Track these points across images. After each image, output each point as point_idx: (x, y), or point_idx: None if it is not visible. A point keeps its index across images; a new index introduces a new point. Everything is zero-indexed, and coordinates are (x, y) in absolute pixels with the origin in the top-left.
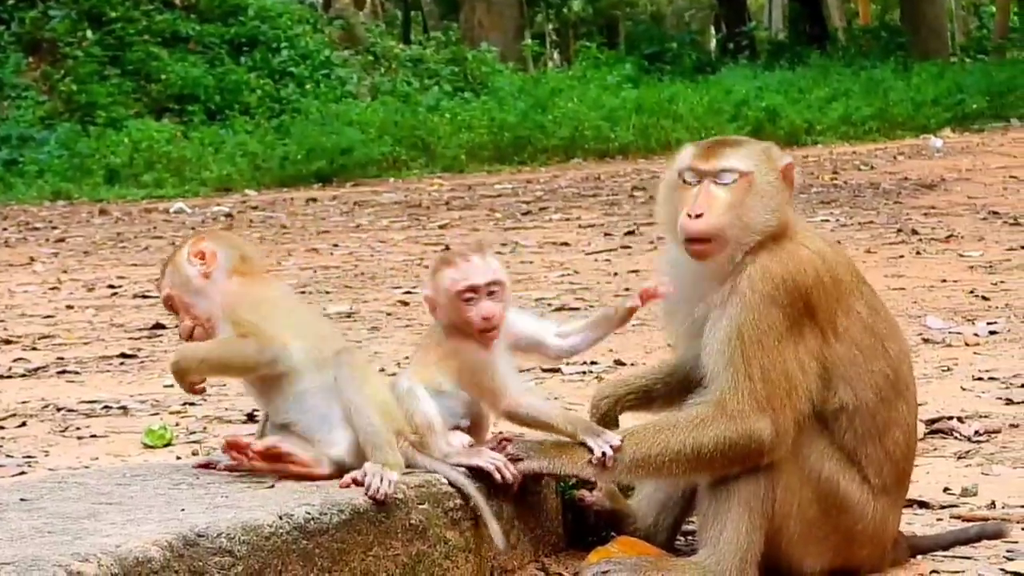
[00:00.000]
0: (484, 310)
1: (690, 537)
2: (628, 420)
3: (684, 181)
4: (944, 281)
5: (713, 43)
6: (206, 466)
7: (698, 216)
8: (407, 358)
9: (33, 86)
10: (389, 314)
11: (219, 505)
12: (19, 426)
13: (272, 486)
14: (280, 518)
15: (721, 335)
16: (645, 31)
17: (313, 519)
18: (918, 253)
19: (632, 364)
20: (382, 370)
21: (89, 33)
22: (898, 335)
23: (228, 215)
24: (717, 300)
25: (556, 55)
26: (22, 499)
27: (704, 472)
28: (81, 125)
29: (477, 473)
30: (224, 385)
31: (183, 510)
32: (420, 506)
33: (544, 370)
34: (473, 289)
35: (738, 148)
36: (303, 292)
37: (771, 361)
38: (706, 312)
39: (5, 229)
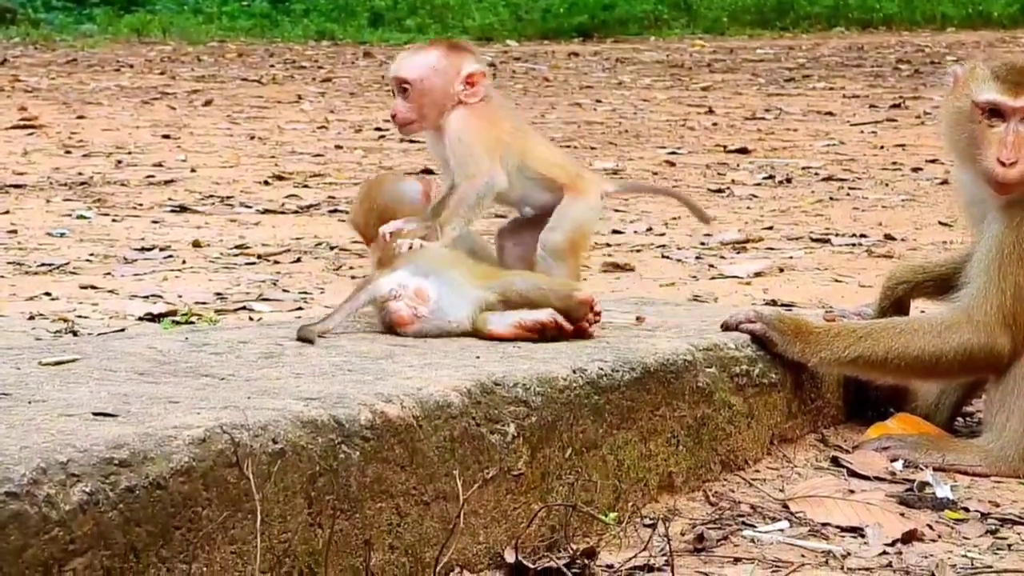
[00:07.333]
0: (392, 107)
1: (969, 419)
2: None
3: (986, 115)
4: None
5: None
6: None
7: (1012, 164)
8: (674, 219)
9: None
10: (655, 173)
11: (512, 355)
12: (294, 262)
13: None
14: (574, 372)
15: (985, 246)
16: None
17: (605, 375)
18: None
19: (902, 239)
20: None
21: None
22: None
23: (491, 64)
24: (993, 213)
25: None
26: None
27: (939, 378)
28: None
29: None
30: None
31: (478, 357)
32: (707, 369)
33: (813, 240)
34: (393, 82)
35: None
36: (568, 147)
37: None
38: (985, 222)
39: (272, 66)
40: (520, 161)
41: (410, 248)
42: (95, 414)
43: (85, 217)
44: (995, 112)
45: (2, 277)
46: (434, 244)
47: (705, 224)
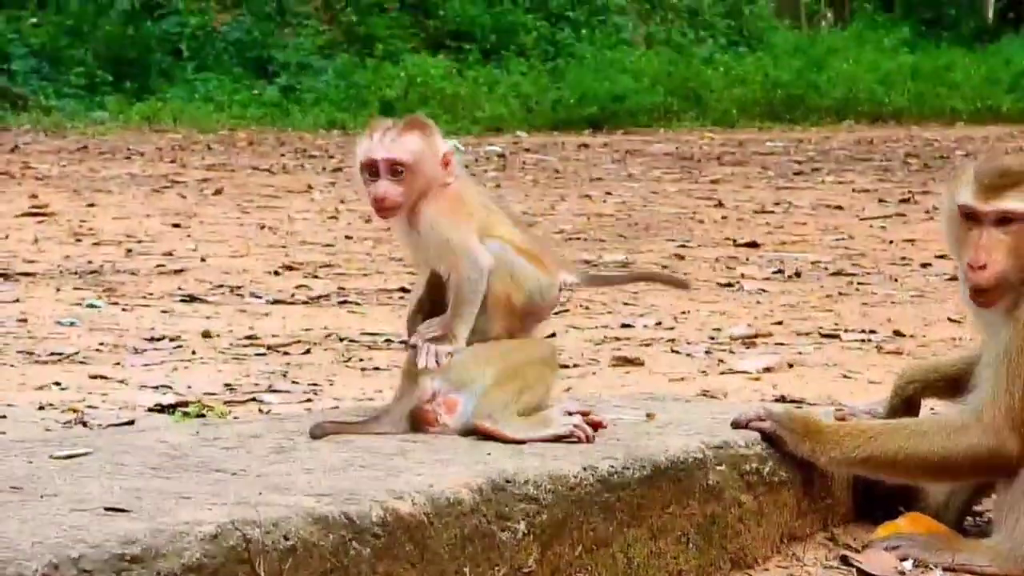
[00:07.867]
0: (378, 190)
1: (979, 518)
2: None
3: (964, 217)
4: None
5: (991, 10)
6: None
7: (981, 268)
8: (684, 313)
9: (315, 15)
10: (665, 267)
11: (523, 452)
12: (303, 353)
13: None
14: (584, 469)
15: (993, 348)
16: None
17: (616, 473)
18: None
19: (912, 336)
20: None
21: None
22: None
23: (501, 155)
24: (999, 318)
25: (830, 14)
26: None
27: (948, 479)
28: (359, 57)
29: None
30: None
31: (489, 454)
32: (718, 467)
33: (822, 335)
34: (371, 164)
35: (1020, 185)
36: (578, 239)
37: None
38: (991, 325)
39: (283, 155)
40: (485, 231)
41: (438, 362)
42: (107, 509)
43: (95, 306)
44: (970, 215)
45: (12, 366)
46: (457, 349)
47: (685, 290)
